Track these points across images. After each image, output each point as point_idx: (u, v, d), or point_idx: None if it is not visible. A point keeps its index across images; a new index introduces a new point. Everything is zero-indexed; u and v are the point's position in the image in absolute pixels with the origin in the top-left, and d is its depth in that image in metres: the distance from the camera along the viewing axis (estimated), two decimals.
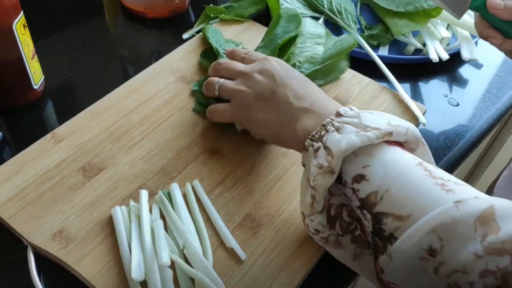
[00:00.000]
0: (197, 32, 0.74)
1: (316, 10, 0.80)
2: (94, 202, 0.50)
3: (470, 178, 1.15)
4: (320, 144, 0.40)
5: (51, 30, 0.73)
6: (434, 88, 0.72)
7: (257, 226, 0.50)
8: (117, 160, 0.54)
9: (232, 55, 0.57)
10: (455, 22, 0.75)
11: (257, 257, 0.48)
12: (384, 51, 0.74)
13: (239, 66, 0.53)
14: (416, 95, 0.70)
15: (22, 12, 0.54)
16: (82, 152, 0.55)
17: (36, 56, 0.59)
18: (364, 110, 0.42)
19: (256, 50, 0.62)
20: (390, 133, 0.38)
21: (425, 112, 0.65)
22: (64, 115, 0.59)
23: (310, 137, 0.42)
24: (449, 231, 0.31)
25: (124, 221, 0.48)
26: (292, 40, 0.59)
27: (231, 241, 0.48)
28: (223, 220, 0.50)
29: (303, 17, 0.63)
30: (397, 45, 0.76)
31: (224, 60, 0.56)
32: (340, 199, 0.41)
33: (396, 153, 0.38)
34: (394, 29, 0.73)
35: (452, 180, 0.35)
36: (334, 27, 0.77)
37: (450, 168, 0.62)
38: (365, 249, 0.41)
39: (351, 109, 0.42)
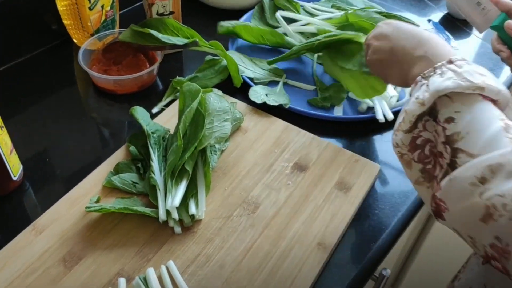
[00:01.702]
0: (166, 105, 0.79)
1: (276, 74, 0.86)
2: None
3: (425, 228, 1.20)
4: (426, 82, 0.48)
5: (22, 114, 0.77)
6: (389, 141, 0.77)
7: None
8: (96, 246, 0.58)
9: None
10: None
11: None
12: (339, 111, 0.80)
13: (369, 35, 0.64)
14: (371, 151, 0.76)
15: None
16: (63, 241, 0.58)
17: (14, 150, 0.63)
18: (471, 64, 0.48)
19: (173, 135, 0.67)
20: (482, 88, 0.44)
21: (379, 170, 0.70)
22: (44, 199, 0.64)
23: (422, 74, 0.49)
24: (501, 169, 0.39)
25: None
26: (201, 121, 0.63)
27: None
28: None
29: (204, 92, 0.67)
30: (352, 102, 0.82)
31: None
32: (429, 135, 0.48)
33: (487, 106, 0.45)
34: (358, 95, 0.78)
35: None
36: (295, 90, 0.83)
37: (406, 221, 0.68)
38: (426, 182, 0.48)
39: (464, 60, 0.48)
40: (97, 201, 0.63)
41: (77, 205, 0.62)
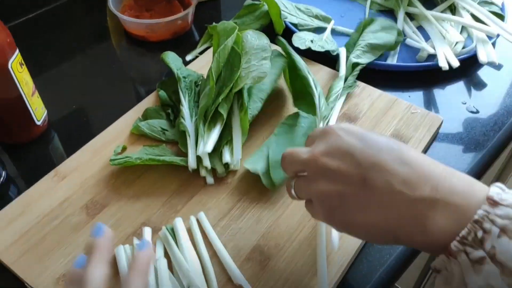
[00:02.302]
0: (201, 53, 0.73)
1: (323, 20, 0.77)
2: None
3: None
4: (482, 253, 0.29)
5: (51, 63, 0.73)
6: (451, 95, 0.68)
7: (266, 258, 0.48)
8: (120, 195, 0.53)
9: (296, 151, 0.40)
10: (470, 25, 0.71)
11: None
12: (393, 57, 0.70)
13: (302, 153, 0.39)
14: (431, 104, 0.66)
15: (17, 51, 0.54)
16: (85, 189, 0.53)
17: (36, 92, 0.59)
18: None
19: (206, 78, 0.59)
20: None
21: (441, 123, 0.61)
22: (71, 147, 0.59)
23: (458, 239, 0.30)
24: None
25: (128, 260, 0.46)
26: (236, 61, 0.55)
27: (239, 278, 0.46)
28: (230, 254, 0.48)
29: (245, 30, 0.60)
30: (408, 51, 0.72)
31: (286, 153, 0.41)
32: None
33: None
34: None
35: None
36: (344, 37, 0.74)
37: (476, 178, 0.58)
38: None
39: (503, 190, 0.31)
40: (123, 150, 0.57)
41: (101, 152, 0.57)
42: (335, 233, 0.47)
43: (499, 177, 1.03)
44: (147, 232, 0.48)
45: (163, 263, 0.45)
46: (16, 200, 0.52)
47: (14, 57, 0.53)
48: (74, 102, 0.66)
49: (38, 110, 0.59)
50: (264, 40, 0.58)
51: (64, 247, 0.49)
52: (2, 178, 0.55)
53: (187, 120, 0.56)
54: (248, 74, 0.55)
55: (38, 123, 0.60)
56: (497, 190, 0.31)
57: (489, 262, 0.29)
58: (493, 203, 0.30)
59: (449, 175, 0.33)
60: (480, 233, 0.29)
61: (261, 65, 0.55)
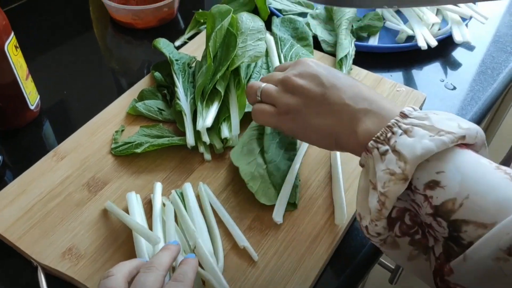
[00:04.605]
0: (189, 39, 0.74)
1: (306, 6, 0.80)
2: (102, 216, 0.50)
3: None
4: (387, 147, 0.38)
5: (41, 49, 0.73)
6: (429, 74, 0.72)
7: (266, 228, 0.50)
8: (120, 173, 0.54)
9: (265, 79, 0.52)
10: (444, 7, 0.75)
11: (269, 258, 0.48)
12: (374, 40, 0.74)
13: (277, 74, 0.50)
14: (411, 82, 0.70)
15: (12, 33, 0.54)
16: (86, 168, 0.54)
17: (30, 76, 0.59)
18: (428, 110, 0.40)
19: (201, 59, 0.61)
20: (463, 137, 0.37)
21: (425, 99, 0.65)
22: (63, 133, 0.59)
23: (374, 138, 0.40)
24: None
25: (138, 206, 0.50)
26: (232, 42, 0.57)
27: (244, 240, 0.48)
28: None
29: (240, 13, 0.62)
30: (388, 34, 0.76)
31: (264, 77, 0.52)
32: (404, 204, 0.40)
33: (470, 157, 0.37)
34: None
35: None
36: (327, 19, 0.77)
37: None
38: (421, 253, 0.40)
39: (415, 109, 0.40)
40: (122, 131, 0.58)
41: (99, 132, 0.58)
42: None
43: None
44: (158, 187, 0.51)
45: (171, 213, 0.48)
46: (17, 179, 0.53)
47: (9, 39, 0.53)
48: (65, 88, 0.67)
49: (32, 94, 0.60)
50: (258, 22, 0.60)
51: (69, 222, 0.49)
52: None
53: (183, 100, 0.58)
54: (245, 53, 0.57)
55: (32, 107, 0.60)
56: (409, 108, 0.40)
57: (390, 152, 0.38)
58: (404, 115, 0.40)
59: (381, 98, 0.44)
60: (389, 134, 0.39)
61: (257, 45, 0.57)
